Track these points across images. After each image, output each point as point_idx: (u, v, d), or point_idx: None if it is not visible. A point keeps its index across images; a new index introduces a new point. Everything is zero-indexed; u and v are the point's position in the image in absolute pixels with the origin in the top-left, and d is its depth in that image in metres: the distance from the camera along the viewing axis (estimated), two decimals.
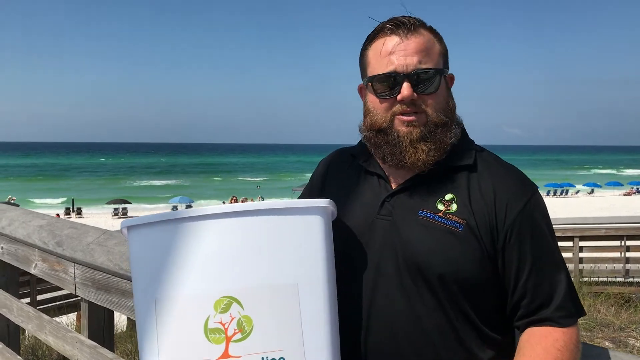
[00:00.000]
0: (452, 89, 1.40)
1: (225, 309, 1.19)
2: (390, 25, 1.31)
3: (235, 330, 1.18)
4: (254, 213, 1.22)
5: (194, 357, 1.17)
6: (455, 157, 1.33)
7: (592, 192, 55.74)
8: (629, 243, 10.04)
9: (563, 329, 1.22)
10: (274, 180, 74.31)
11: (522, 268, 1.25)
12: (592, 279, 9.18)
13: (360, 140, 1.48)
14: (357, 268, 1.32)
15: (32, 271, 3.18)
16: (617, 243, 10.32)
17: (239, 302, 1.19)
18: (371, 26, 1.36)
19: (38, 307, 9.53)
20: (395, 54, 1.28)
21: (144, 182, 70.60)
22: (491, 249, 1.26)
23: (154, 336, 1.20)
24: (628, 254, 10.06)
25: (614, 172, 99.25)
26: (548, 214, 1.31)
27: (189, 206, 42.16)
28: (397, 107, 1.31)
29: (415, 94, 1.28)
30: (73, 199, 42.55)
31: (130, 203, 42.73)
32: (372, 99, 1.35)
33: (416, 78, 1.28)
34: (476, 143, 1.37)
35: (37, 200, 41.90)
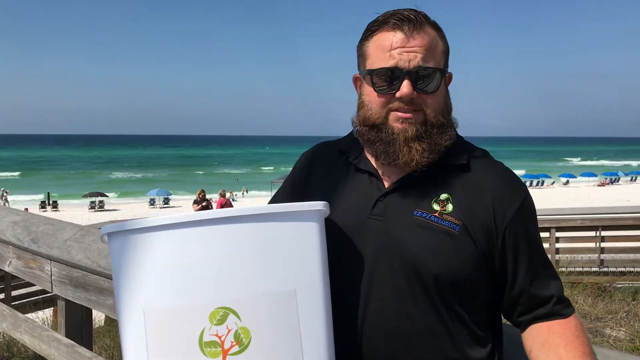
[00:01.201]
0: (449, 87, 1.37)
1: (221, 321, 1.12)
2: (395, 20, 1.26)
3: (232, 342, 1.12)
4: (249, 219, 1.16)
5: None
6: (449, 156, 1.31)
7: (567, 182, 56.54)
8: (603, 233, 10.20)
9: (570, 317, 1.25)
10: (255, 173, 73.98)
11: (519, 266, 1.26)
12: (568, 269, 9.32)
13: (348, 134, 1.45)
14: (349, 270, 1.29)
15: (6, 269, 3.10)
16: (592, 233, 10.48)
17: (235, 313, 1.13)
18: (366, 19, 1.32)
19: (13, 303, 9.41)
20: (398, 49, 1.24)
21: (121, 175, 69.79)
22: (487, 249, 1.25)
23: (142, 351, 1.13)
24: (603, 244, 10.22)
25: (589, 162, 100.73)
26: (536, 212, 1.32)
27: (166, 199, 41.79)
28: (395, 104, 1.26)
29: (415, 92, 1.24)
30: (48, 192, 41.89)
31: (106, 196, 42.18)
32: (368, 92, 1.30)
33: (417, 76, 1.24)
34: (463, 135, 1.36)
35: (10, 197, 41.04)
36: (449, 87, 1.36)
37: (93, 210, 38.52)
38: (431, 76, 1.25)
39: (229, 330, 1.12)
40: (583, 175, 60.34)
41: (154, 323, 1.12)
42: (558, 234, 10.33)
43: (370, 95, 1.30)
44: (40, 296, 9.64)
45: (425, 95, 1.26)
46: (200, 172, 73.97)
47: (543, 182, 54.93)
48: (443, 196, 1.27)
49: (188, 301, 1.13)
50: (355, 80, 1.38)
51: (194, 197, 18.36)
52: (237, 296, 1.13)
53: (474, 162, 1.32)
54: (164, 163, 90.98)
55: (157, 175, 69.60)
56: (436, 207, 1.26)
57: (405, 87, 1.23)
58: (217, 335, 1.12)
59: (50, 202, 40.43)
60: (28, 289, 9.94)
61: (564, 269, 9.23)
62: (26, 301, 9.70)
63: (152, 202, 41.23)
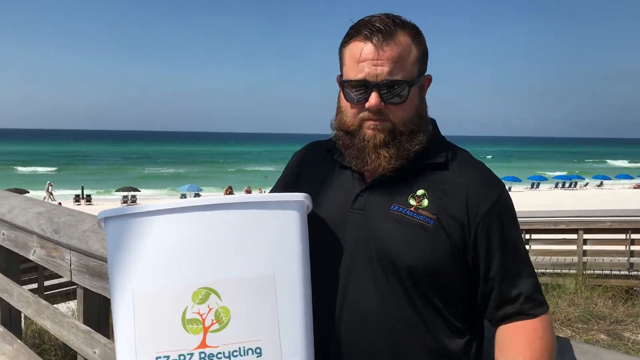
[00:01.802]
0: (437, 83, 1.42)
1: (203, 300, 1.20)
2: (366, 31, 1.29)
3: (212, 320, 1.20)
4: (233, 206, 1.24)
5: (172, 346, 1.19)
6: (428, 155, 1.35)
7: (601, 184, 55.37)
8: (634, 236, 10.00)
9: (536, 319, 1.26)
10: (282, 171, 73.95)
11: (490, 262, 1.29)
12: (595, 271, 9.18)
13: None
14: (331, 260, 1.35)
15: (31, 257, 3.24)
16: (622, 236, 10.28)
17: (217, 294, 1.21)
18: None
19: (45, 293, 9.69)
20: (367, 62, 1.28)
21: (153, 171, 70.82)
22: (461, 243, 1.29)
23: (130, 325, 1.21)
24: (633, 247, 10.02)
25: (625, 164, 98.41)
26: (514, 210, 1.34)
27: (197, 194, 42.26)
28: (365, 114, 1.32)
29: (382, 103, 1.29)
30: (82, 186, 42.79)
31: (139, 191, 42.89)
32: (344, 100, 1.36)
33: (385, 88, 1.28)
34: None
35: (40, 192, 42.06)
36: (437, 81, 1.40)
37: (125, 204, 39.21)
38: (398, 88, 1.29)
39: (210, 309, 1.20)
40: (618, 177, 58.96)
41: (142, 301, 1.21)
42: (586, 236, 10.18)
43: (345, 104, 1.36)
44: (72, 287, 9.88)
45: (393, 106, 1.30)
46: (231, 169, 74.60)
47: (576, 183, 53.90)
48: (419, 192, 1.31)
49: (173, 281, 1.21)
50: (338, 81, 1.43)
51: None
52: (219, 277, 1.22)
53: (452, 160, 1.36)
54: (196, 159, 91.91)
55: (189, 171, 70.39)
56: (412, 202, 1.31)
57: (373, 99, 1.28)
58: (198, 313, 1.20)
59: (84, 196, 41.30)
60: (60, 279, 10.22)
61: (590, 272, 9.11)
62: (57, 291, 9.98)
63: (183, 198, 41.75)
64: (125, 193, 41.35)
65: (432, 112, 1.41)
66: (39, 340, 5.64)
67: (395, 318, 1.29)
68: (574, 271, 9.42)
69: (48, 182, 41.33)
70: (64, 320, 2.94)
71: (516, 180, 49.73)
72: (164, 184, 53.79)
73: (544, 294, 1.32)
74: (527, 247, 10.27)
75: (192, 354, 1.19)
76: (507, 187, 1.38)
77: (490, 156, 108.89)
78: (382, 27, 1.28)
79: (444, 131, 1.43)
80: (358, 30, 1.31)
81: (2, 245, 3.69)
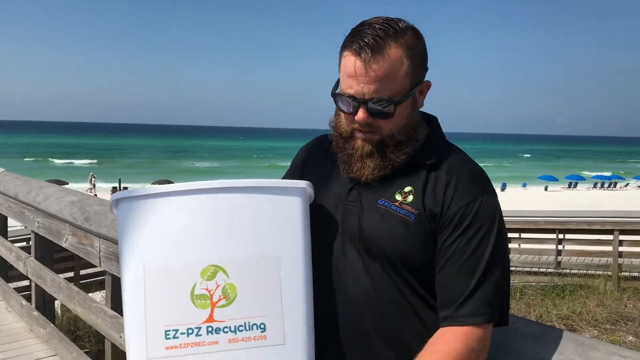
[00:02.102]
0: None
1: (211, 277, 1.26)
2: (356, 46, 1.29)
3: (220, 296, 1.25)
4: (241, 190, 1.31)
5: (180, 320, 1.25)
6: (422, 155, 1.39)
7: None
8: None
9: (457, 330, 1.26)
10: None
11: (441, 258, 1.31)
12: (631, 273, 9.00)
13: None
14: (326, 248, 1.41)
15: (64, 244, 3.37)
16: None
17: (224, 271, 1.26)
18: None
19: (81, 282, 9.98)
20: (355, 78, 1.30)
21: (189, 164, 71.78)
22: (435, 237, 1.33)
23: (140, 300, 1.27)
24: None
25: None
26: (497, 220, 1.32)
27: None
28: (356, 125, 1.36)
29: (369, 118, 1.33)
30: (120, 179, 43.71)
31: (173, 183, 43.45)
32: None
33: (371, 105, 1.31)
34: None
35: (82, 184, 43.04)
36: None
37: None
38: (384, 105, 1.31)
39: (218, 286, 1.26)
40: None
41: (152, 276, 1.27)
42: (622, 237, 9.97)
43: (340, 112, 1.42)
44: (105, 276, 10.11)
45: (381, 120, 1.34)
46: (265, 164, 75.14)
47: (615, 183, 52.59)
48: (407, 189, 1.36)
49: (182, 258, 1.27)
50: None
51: None
52: (226, 256, 1.28)
53: (445, 160, 1.38)
54: (231, 154, 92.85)
55: (223, 165, 71.19)
56: (398, 197, 1.36)
57: (360, 114, 1.33)
58: (207, 289, 1.26)
59: (121, 188, 42.18)
60: (94, 269, 10.50)
61: (627, 273, 8.95)
62: (92, 280, 10.26)
63: None
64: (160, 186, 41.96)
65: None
66: (74, 327, 5.84)
67: (384, 302, 1.34)
68: (608, 272, 9.25)
69: (91, 173, 42.30)
70: (92, 305, 3.05)
71: (553, 179, 48.79)
72: (198, 177, 54.48)
73: (504, 307, 1.30)
74: (560, 247, 10.12)
75: (199, 328, 1.25)
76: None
77: (528, 155, 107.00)
78: (371, 42, 1.28)
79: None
80: (351, 41, 1.31)
81: (38, 232, 3.85)
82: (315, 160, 1.57)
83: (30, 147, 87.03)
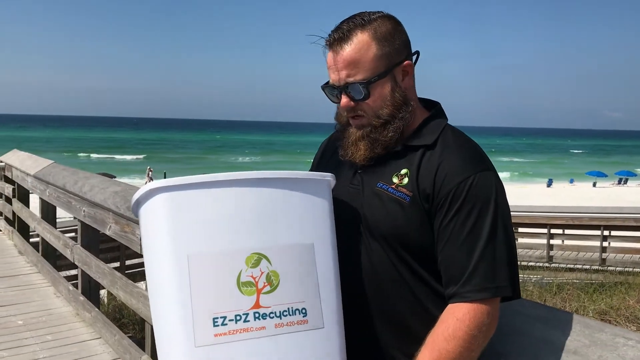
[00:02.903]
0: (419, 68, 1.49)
1: (255, 264, 1.30)
2: (328, 41, 1.43)
3: (264, 283, 1.29)
4: (277, 181, 1.37)
5: (228, 307, 1.27)
6: (419, 137, 1.46)
7: None
8: None
9: (466, 306, 1.29)
10: None
11: (441, 238, 1.35)
12: None
13: None
14: (335, 229, 1.47)
15: (107, 232, 3.54)
16: None
17: (267, 259, 1.31)
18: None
19: (127, 272, 10.30)
20: (331, 68, 1.44)
21: (232, 159, 72.61)
22: (430, 218, 1.38)
23: (186, 290, 1.28)
24: None
25: None
26: (489, 194, 1.34)
27: None
28: (345, 112, 1.48)
29: (351, 102, 1.43)
30: (165, 173, 44.68)
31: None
32: None
33: (347, 90, 1.42)
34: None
35: (140, 179, 44.10)
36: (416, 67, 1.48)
37: None
38: (357, 88, 1.41)
39: (262, 273, 1.30)
40: None
41: (197, 266, 1.29)
42: None
43: None
44: None
45: (361, 102, 1.43)
46: (308, 160, 75.27)
47: None
48: (403, 171, 1.43)
49: (227, 247, 1.31)
50: None
51: None
52: (269, 244, 1.33)
53: (441, 141, 1.43)
54: (274, 149, 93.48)
55: (265, 160, 71.75)
56: (395, 180, 1.43)
57: (343, 100, 1.44)
58: (252, 276, 1.30)
59: None
60: (140, 259, 10.79)
61: None
62: (137, 270, 10.57)
63: None
64: None
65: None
66: (119, 315, 6.08)
67: (383, 281, 1.42)
68: None
69: (148, 167, 43.34)
70: (134, 290, 3.20)
71: (601, 175, 47.41)
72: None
73: (509, 284, 1.31)
74: (604, 244, 9.90)
75: (247, 314, 1.28)
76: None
77: (579, 150, 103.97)
78: (339, 34, 1.41)
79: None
80: (327, 37, 1.45)
81: (83, 221, 4.04)
82: (331, 150, 1.66)
83: (78, 142, 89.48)
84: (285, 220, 1.36)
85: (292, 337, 1.29)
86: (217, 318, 1.26)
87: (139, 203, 1.38)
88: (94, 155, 67.65)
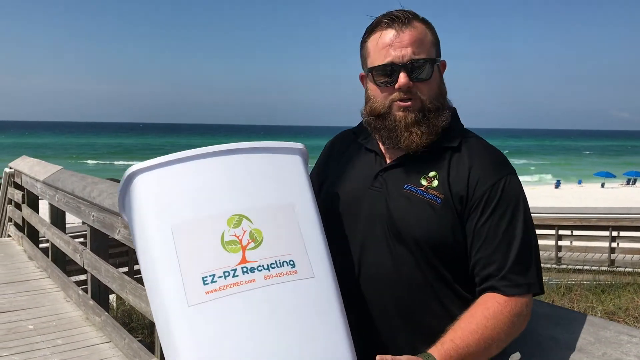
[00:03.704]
0: (444, 75, 1.53)
1: (237, 224, 1.35)
2: (386, 19, 1.44)
3: (248, 240, 1.34)
4: (252, 150, 1.45)
5: (215, 266, 1.32)
6: (443, 139, 1.47)
7: None
8: None
9: (503, 299, 1.33)
10: None
11: (477, 238, 1.38)
12: None
13: (361, 122, 1.65)
14: (350, 229, 1.51)
15: (116, 237, 3.57)
16: None
17: (248, 219, 1.36)
18: (369, 21, 1.49)
19: (135, 276, 10.34)
20: (392, 46, 1.42)
21: None
22: (462, 220, 1.40)
23: (173, 258, 1.33)
24: None
25: None
26: (519, 196, 1.40)
27: None
28: (395, 94, 1.44)
29: (410, 82, 1.42)
30: None
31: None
32: (372, 87, 1.50)
33: (411, 67, 1.41)
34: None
35: None
36: (445, 75, 1.53)
37: None
38: (423, 66, 1.43)
39: (244, 231, 1.36)
40: None
41: (182, 234, 1.35)
42: None
43: (374, 90, 1.50)
44: None
45: (420, 84, 1.43)
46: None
47: None
48: (431, 173, 1.44)
49: (208, 212, 1.37)
50: (361, 78, 1.59)
51: None
52: (248, 206, 1.39)
53: (465, 144, 1.47)
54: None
55: None
56: (424, 182, 1.43)
57: (402, 78, 1.42)
58: (235, 235, 1.35)
59: None
60: None
61: None
62: None
63: None
64: None
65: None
66: (128, 319, 6.11)
67: (406, 283, 1.42)
68: None
69: None
70: (142, 293, 3.23)
71: (610, 175, 47.16)
72: None
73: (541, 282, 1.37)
74: (613, 244, 9.87)
75: (235, 270, 1.32)
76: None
77: (587, 151, 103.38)
78: (400, 15, 1.44)
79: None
80: (377, 22, 1.46)
81: (93, 226, 4.08)
82: (340, 149, 1.67)
83: (83, 147, 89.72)
84: (263, 184, 1.42)
85: (282, 286, 1.32)
86: (206, 277, 1.31)
87: (123, 194, 1.45)
88: (99, 162, 67.88)
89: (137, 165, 1.41)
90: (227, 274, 1.32)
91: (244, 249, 1.34)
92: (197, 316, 1.27)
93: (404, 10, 1.46)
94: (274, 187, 1.42)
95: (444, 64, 1.52)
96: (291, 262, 1.35)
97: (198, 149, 1.42)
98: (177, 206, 1.37)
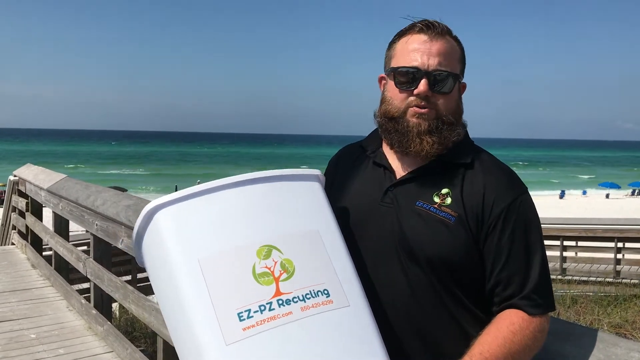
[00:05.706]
0: (462, 96, 1.52)
1: (267, 255, 1.31)
2: (421, 25, 1.43)
3: (280, 271, 1.30)
4: (271, 179, 1.42)
5: (250, 300, 1.27)
6: (456, 155, 1.45)
7: None
8: None
9: (526, 315, 1.32)
10: None
11: (498, 259, 1.36)
12: None
13: (371, 133, 1.63)
14: (362, 247, 1.47)
15: (119, 246, 3.55)
16: None
17: (278, 249, 1.32)
18: (402, 24, 1.49)
19: (138, 285, 10.32)
20: (420, 51, 1.41)
21: (238, 172, 72.46)
22: (477, 239, 1.38)
23: (204, 292, 1.28)
24: None
25: None
26: (534, 215, 1.41)
27: None
28: (412, 100, 1.42)
29: (430, 91, 1.40)
30: (176, 186, 44.88)
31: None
32: (391, 88, 1.48)
33: (434, 78, 1.40)
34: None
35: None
36: (463, 96, 1.52)
37: None
38: (446, 79, 1.41)
39: (275, 262, 1.32)
40: None
41: (210, 267, 1.31)
42: None
43: (393, 92, 1.48)
44: None
45: (439, 95, 1.42)
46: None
47: None
48: (444, 190, 1.41)
49: (235, 244, 1.33)
50: (380, 79, 1.56)
51: None
52: (275, 235, 1.35)
53: (478, 161, 1.45)
54: (307, 161, 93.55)
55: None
56: (436, 199, 1.41)
57: (423, 85, 1.40)
58: (266, 267, 1.31)
59: None
60: None
61: None
62: (149, 284, 10.56)
63: None
64: None
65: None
66: (130, 328, 6.09)
67: (420, 301, 1.38)
68: None
69: (198, 180, 43.68)
70: (145, 303, 3.21)
71: (614, 186, 47.09)
72: None
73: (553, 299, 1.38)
74: (619, 255, 9.81)
75: (270, 302, 1.27)
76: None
77: (592, 162, 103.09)
78: (435, 24, 1.43)
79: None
80: (412, 26, 1.46)
81: (96, 234, 4.06)
82: (347, 164, 1.64)
83: (87, 156, 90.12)
84: (286, 212, 1.39)
85: (320, 317, 1.28)
86: (241, 312, 1.26)
87: (140, 234, 1.40)
88: (101, 171, 68.08)
89: (156, 201, 1.37)
90: (263, 307, 1.27)
91: (277, 280, 1.30)
92: (236, 355, 1.22)
93: (440, 22, 1.45)
94: (298, 215, 1.40)
95: (464, 86, 1.51)
96: (325, 292, 1.31)
97: (217, 180, 1.40)
98: (203, 239, 1.33)
